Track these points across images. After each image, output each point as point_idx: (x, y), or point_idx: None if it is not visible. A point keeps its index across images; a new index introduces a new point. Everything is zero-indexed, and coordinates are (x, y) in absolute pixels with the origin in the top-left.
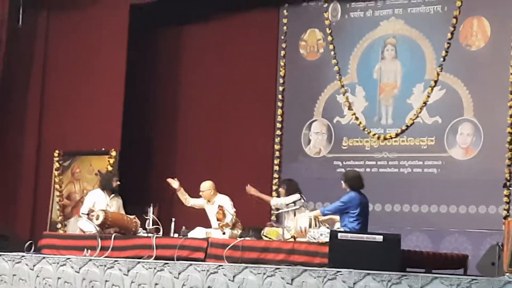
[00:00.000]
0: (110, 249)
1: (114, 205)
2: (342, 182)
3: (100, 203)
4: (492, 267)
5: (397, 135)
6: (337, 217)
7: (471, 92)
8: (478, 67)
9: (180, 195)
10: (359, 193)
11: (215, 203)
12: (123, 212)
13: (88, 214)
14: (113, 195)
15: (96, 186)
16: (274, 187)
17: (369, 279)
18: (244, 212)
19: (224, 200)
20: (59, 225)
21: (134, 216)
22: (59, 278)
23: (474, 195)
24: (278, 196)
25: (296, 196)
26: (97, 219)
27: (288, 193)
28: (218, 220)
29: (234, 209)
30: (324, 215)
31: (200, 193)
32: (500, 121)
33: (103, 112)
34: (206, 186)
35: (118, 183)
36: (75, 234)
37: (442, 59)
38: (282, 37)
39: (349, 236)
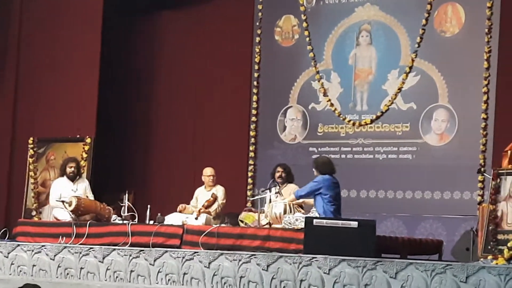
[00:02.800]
0: (85, 236)
1: (80, 189)
2: (314, 169)
3: (65, 190)
4: (467, 252)
5: (372, 121)
6: (311, 201)
7: (446, 78)
8: (452, 53)
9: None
10: (331, 177)
11: (211, 190)
12: (90, 194)
13: (63, 202)
14: (76, 179)
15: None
16: (249, 174)
17: (344, 265)
18: None
19: (220, 190)
20: (33, 213)
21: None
22: (34, 265)
23: (449, 181)
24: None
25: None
26: (70, 205)
27: (287, 177)
28: (204, 204)
29: (224, 201)
30: (298, 198)
31: (203, 178)
32: (475, 107)
33: (77, 99)
34: (210, 171)
35: (73, 169)
36: (50, 221)
37: (416, 45)
38: (257, 23)
39: (324, 222)
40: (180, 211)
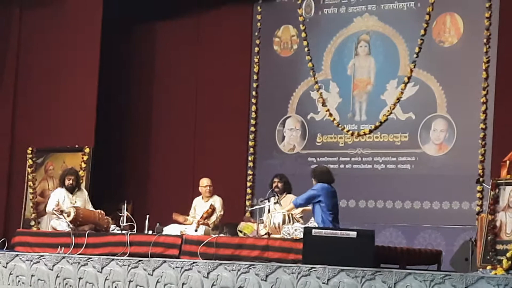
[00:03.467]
0: (84, 246)
1: (79, 200)
2: (312, 178)
3: (64, 201)
4: (466, 262)
5: (370, 131)
6: (310, 208)
7: (444, 88)
8: (451, 63)
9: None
10: (329, 186)
11: (208, 201)
12: (89, 205)
13: (61, 212)
14: (75, 191)
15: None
16: (248, 184)
17: (343, 275)
18: None
19: (217, 201)
20: (32, 223)
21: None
22: (32, 275)
23: (448, 191)
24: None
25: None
26: (68, 216)
27: (284, 188)
28: (202, 216)
29: (222, 212)
30: (297, 206)
31: (200, 189)
32: (473, 117)
33: (76, 109)
34: (207, 182)
35: (70, 182)
36: (48, 231)
37: (415, 55)
38: (256, 34)
39: (323, 232)
40: (176, 220)
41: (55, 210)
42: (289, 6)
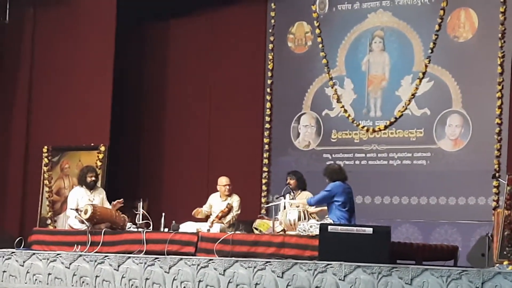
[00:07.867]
0: (100, 244)
1: (97, 198)
2: (325, 177)
3: (83, 199)
4: (482, 258)
5: (386, 127)
6: (325, 208)
7: (460, 84)
8: (466, 59)
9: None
10: (343, 183)
11: (226, 200)
12: (107, 204)
13: (76, 210)
14: (93, 189)
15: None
16: (263, 181)
17: (360, 271)
18: None
19: (235, 200)
20: (49, 221)
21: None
22: (49, 274)
23: (464, 187)
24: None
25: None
26: (85, 213)
27: (298, 185)
28: (218, 215)
29: (239, 211)
30: (310, 205)
31: (218, 187)
32: (489, 112)
33: (91, 107)
34: (226, 181)
35: (93, 178)
36: (65, 229)
37: (430, 50)
38: (270, 30)
39: (339, 228)
40: (196, 215)
41: (71, 209)
42: (302, 2)
